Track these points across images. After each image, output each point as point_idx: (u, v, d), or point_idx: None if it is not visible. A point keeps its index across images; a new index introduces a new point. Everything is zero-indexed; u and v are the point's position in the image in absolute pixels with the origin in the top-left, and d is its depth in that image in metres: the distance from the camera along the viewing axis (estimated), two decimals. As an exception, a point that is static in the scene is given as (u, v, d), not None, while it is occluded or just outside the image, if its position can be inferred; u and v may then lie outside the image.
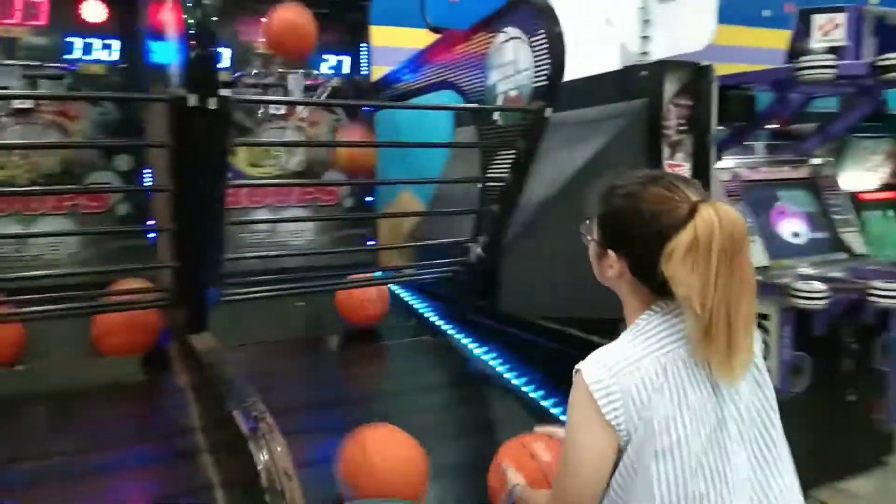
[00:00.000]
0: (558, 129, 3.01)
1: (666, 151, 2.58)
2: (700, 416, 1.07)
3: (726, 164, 3.62)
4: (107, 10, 3.23)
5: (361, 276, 3.01)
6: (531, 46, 2.39)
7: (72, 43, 3.20)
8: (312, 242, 3.70)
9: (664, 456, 1.06)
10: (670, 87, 2.57)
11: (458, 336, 2.96)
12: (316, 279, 2.88)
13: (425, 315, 3.24)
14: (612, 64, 3.27)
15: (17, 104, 2.99)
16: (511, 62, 2.52)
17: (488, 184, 2.66)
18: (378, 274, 3.41)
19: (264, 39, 3.32)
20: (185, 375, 2.44)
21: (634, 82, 2.70)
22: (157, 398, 2.40)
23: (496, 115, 2.64)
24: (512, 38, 2.50)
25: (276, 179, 3.59)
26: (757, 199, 3.57)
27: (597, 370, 1.09)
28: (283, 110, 3.60)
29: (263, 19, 3.24)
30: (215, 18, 1.79)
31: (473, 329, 2.95)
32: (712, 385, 1.09)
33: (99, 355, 2.53)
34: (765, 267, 3.37)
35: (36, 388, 2.33)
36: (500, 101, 2.60)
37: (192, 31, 1.78)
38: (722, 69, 3.38)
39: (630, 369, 1.08)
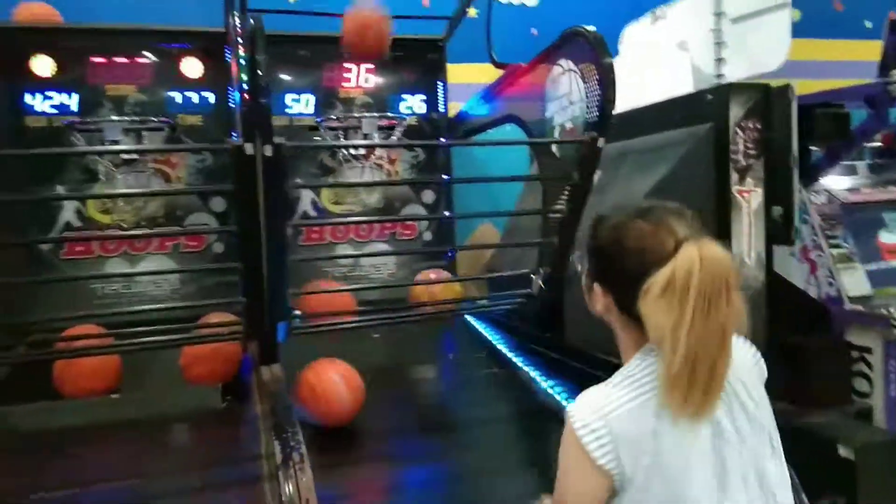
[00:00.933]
0: (627, 156, 2.97)
1: (734, 176, 2.48)
2: (700, 460, 1.04)
3: (823, 187, 3.42)
4: (202, 66, 3.55)
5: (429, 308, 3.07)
6: (583, 78, 2.39)
7: (172, 97, 3.55)
8: (393, 275, 3.83)
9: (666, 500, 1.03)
10: (736, 110, 2.48)
11: (525, 368, 2.95)
12: (387, 312, 2.97)
13: (497, 346, 3.25)
14: (688, 89, 3.19)
15: (124, 154, 3.34)
16: (566, 94, 2.53)
17: (549, 215, 2.66)
18: (453, 305, 3.48)
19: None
20: (259, 404, 2.59)
21: (700, 107, 2.63)
22: (233, 426, 2.56)
23: (554, 147, 2.64)
24: (566, 71, 2.52)
25: (356, 216, 3.77)
26: (859, 222, 3.34)
27: (585, 413, 1.08)
28: (362, 150, 3.78)
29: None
30: (265, 74, 1.94)
31: (540, 361, 2.93)
32: (714, 428, 1.06)
33: (186, 384, 2.73)
34: (867, 296, 3.14)
35: (129, 415, 2.55)
36: (556, 134, 2.61)
37: (246, 86, 1.94)
38: (817, 86, 3.21)
39: (620, 412, 1.05)
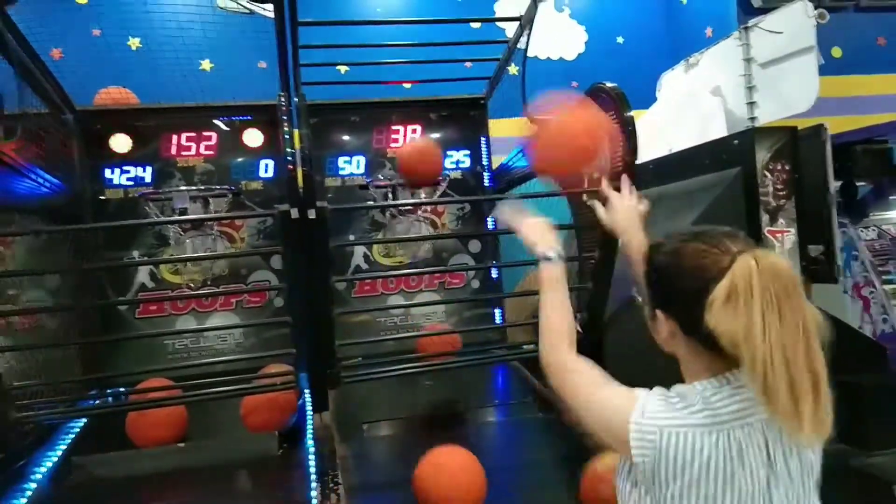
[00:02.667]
0: (662, 201, 3.03)
1: (765, 217, 2.51)
2: (743, 501, 1.04)
3: (873, 222, 3.39)
4: (262, 136, 3.84)
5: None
6: (607, 131, 2.49)
7: (236, 165, 3.84)
8: (443, 324, 3.96)
9: None
10: (763, 154, 2.52)
11: (569, 412, 2.98)
12: (432, 359, 3.08)
13: (542, 391, 3.30)
14: (723, 132, 3.24)
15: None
16: (592, 146, 2.63)
17: (584, 261, 2.74)
18: (502, 351, 3.58)
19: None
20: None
21: (728, 151, 2.69)
22: (288, 471, 2.70)
23: (585, 197, 2.73)
24: (592, 124, 2.62)
25: (406, 268, 3.92)
26: (913, 256, 3.28)
27: (648, 413, 1.08)
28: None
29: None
30: (306, 146, 2.14)
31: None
32: (769, 470, 1.06)
33: (246, 432, 2.90)
34: (925, 332, 3.07)
35: (194, 462, 2.73)
36: (587, 184, 2.70)
37: (289, 157, 2.14)
38: (862, 121, 3.22)
39: (679, 430, 1.05)
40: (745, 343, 0.99)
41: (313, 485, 1.79)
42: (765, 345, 0.97)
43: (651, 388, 1.15)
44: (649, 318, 1.21)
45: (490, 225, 4.09)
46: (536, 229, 1.51)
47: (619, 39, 5.07)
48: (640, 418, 1.08)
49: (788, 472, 1.07)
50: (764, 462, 1.06)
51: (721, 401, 1.07)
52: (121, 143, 3.68)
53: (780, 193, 2.51)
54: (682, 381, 1.18)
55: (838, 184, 3.06)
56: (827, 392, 1.01)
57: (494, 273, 4.13)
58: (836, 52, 4.75)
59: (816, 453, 1.13)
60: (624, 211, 1.64)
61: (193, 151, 3.79)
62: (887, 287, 3.15)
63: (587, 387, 1.20)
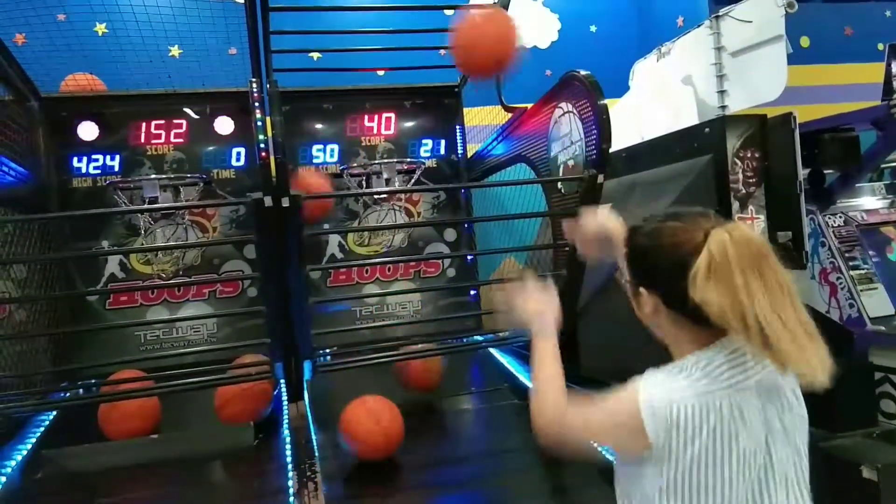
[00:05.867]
0: (636, 188, 3.06)
1: (735, 205, 2.55)
2: (748, 460, 1.09)
3: (840, 209, 3.44)
4: (233, 124, 3.79)
5: (422, 346, 3.17)
6: (581, 118, 2.51)
7: (207, 153, 3.79)
8: (418, 312, 3.96)
9: (706, 492, 1.09)
10: (733, 141, 2.55)
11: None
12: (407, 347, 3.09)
13: (518, 378, 3.33)
14: (694, 121, 3.27)
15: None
16: (567, 134, 2.65)
17: (558, 249, 2.76)
18: (478, 338, 3.59)
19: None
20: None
21: (700, 139, 2.72)
22: (264, 462, 2.68)
23: (560, 185, 2.75)
24: (566, 112, 2.64)
25: (381, 257, 3.91)
26: (878, 242, 3.35)
27: (653, 393, 1.12)
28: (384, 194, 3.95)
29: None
30: (278, 133, 2.11)
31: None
32: (767, 429, 1.11)
33: (220, 423, 2.87)
34: (890, 316, 3.14)
35: (168, 454, 2.70)
36: (561, 172, 2.72)
37: (262, 145, 2.12)
38: (829, 110, 3.26)
39: (686, 402, 1.09)
40: (733, 310, 1.03)
41: (290, 474, 1.79)
42: (754, 306, 1.02)
43: (628, 375, 1.18)
44: (632, 295, 1.26)
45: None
46: (534, 304, 1.48)
47: (593, 28, 5.08)
48: (648, 397, 1.11)
49: (784, 428, 1.13)
50: (762, 421, 1.11)
51: (717, 368, 1.12)
52: (88, 130, 3.61)
53: (750, 181, 2.55)
54: (656, 365, 1.21)
55: (806, 171, 3.11)
56: (821, 339, 1.07)
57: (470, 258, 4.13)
58: (805, 41, 4.82)
59: (802, 407, 1.17)
60: (597, 214, 1.64)
61: (163, 139, 3.73)
62: (854, 273, 3.21)
63: (587, 412, 1.22)
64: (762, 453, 1.11)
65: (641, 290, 1.22)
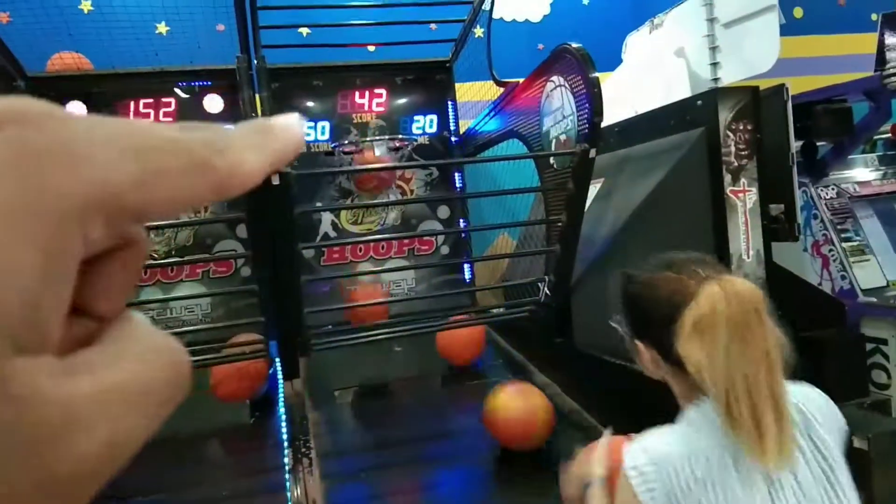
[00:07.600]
0: (628, 162, 3.05)
1: (727, 178, 2.54)
2: None
3: (833, 181, 3.45)
4: (223, 102, 3.75)
5: (454, 318, 3.17)
6: (573, 92, 2.49)
7: (197, 132, 3.74)
8: (413, 289, 3.96)
9: None
10: (725, 113, 2.54)
11: (540, 375, 3.03)
12: (403, 325, 3.09)
13: (513, 354, 3.35)
14: (687, 94, 3.25)
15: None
16: (559, 108, 2.63)
17: (551, 225, 2.75)
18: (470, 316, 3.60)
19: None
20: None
21: (692, 112, 2.70)
22: (260, 439, 2.71)
23: (552, 160, 2.74)
24: (558, 86, 2.62)
25: (374, 234, 3.90)
26: (870, 214, 3.36)
27: (638, 456, 1.10)
28: (376, 171, 3.92)
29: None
30: (268, 109, 2.09)
31: (553, 367, 3.01)
32: (767, 480, 1.05)
33: (216, 402, 2.88)
34: (881, 287, 3.16)
35: (163, 433, 2.70)
36: (553, 147, 2.70)
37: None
38: (822, 81, 3.25)
39: (672, 458, 1.06)
40: (708, 371, 1.02)
41: (286, 451, 1.80)
42: (728, 371, 1.00)
43: (621, 349, 1.20)
44: (631, 348, 1.23)
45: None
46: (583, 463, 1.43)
47: (585, 1, 5.03)
48: (635, 462, 1.09)
49: (795, 478, 1.07)
50: (762, 472, 1.06)
51: (707, 417, 1.09)
52: (76, 110, 3.55)
53: (743, 153, 2.54)
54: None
55: (799, 143, 3.10)
56: (789, 417, 1.04)
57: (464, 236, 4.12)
58: (798, 12, 4.78)
59: (836, 450, 1.12)
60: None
61: (151, 119, 3.69)
62: (846, 245, 3.22)
63: None
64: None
65: (637, 342, 1.19)
